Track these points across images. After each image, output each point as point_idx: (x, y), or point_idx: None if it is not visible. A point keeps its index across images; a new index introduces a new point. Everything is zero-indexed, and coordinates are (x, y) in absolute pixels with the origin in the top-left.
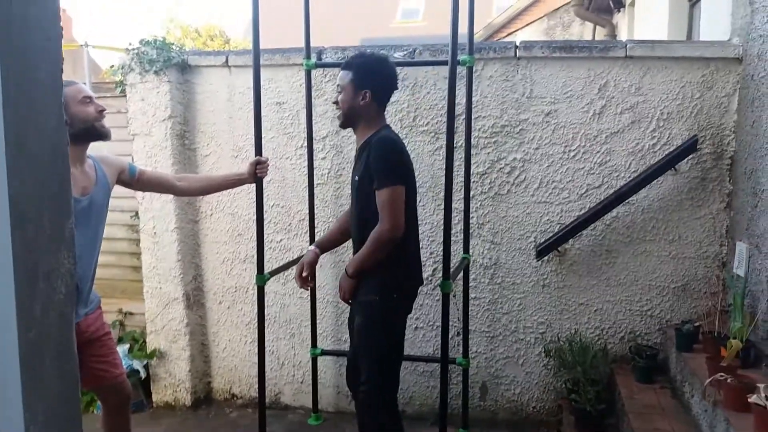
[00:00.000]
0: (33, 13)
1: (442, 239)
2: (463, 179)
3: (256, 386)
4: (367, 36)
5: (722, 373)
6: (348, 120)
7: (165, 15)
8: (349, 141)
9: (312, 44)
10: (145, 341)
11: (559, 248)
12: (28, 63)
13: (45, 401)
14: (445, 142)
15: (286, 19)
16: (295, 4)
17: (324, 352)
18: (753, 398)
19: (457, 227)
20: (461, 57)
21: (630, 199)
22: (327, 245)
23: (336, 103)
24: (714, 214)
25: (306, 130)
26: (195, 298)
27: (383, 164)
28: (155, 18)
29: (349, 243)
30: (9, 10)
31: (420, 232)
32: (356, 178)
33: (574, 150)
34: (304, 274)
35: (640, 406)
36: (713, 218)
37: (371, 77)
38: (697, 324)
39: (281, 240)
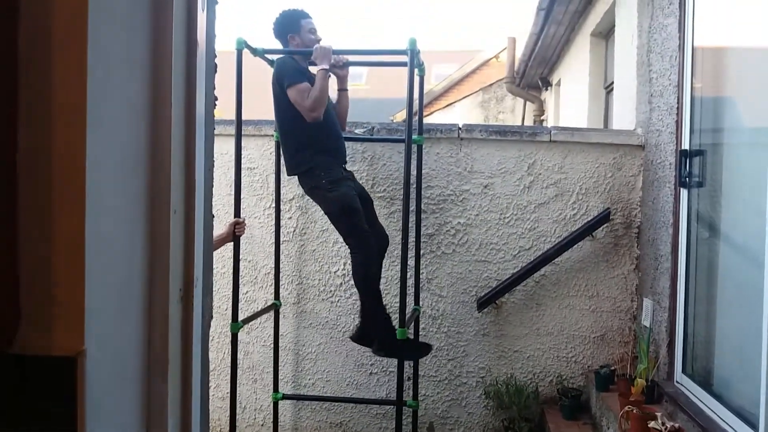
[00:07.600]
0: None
1: (396, 292)
2: (414, 240)
3: (219, 429)
4: None
5: (629, 406)
6: None
7: None
8: (313, 204)
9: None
10: None
11: (496, 301)
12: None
13: None
14: (398, 207)
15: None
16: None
17: (285, 396)
18: (652, 424)
19: (409, 282)
20: (413, 137)
21: (555, 260)
22: None
23: None
24: (625, 275)
25: (274, 192)
26: None
27: None
28: None
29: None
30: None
31: None
32: None
33: (508, 217)
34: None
35: None
36: (625, 278)
37: None
38: (612, 368)
39: (247, 292)
